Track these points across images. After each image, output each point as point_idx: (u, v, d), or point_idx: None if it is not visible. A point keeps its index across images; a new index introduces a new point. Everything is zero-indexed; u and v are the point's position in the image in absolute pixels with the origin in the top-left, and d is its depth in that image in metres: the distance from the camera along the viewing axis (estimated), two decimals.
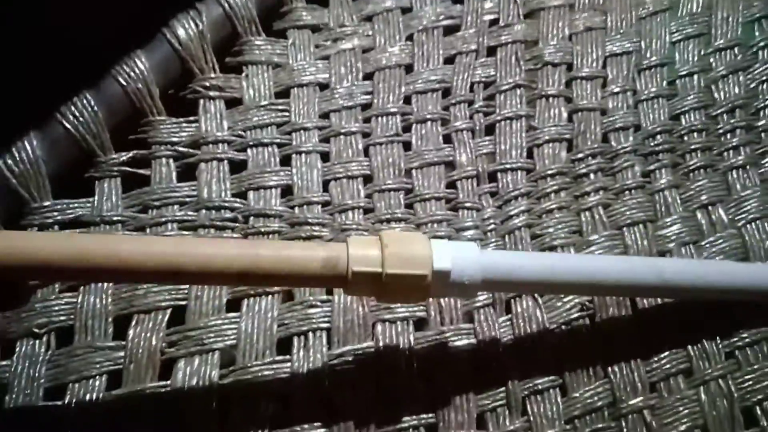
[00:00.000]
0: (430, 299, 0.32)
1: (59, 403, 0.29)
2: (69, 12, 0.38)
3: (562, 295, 0.33)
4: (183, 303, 0.31)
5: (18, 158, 0.32)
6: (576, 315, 0.33)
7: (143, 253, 0.25)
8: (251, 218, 0.34)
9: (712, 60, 0.40)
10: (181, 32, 0.36)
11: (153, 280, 0.29)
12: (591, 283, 0.30)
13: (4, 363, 0.30)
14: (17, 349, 0.30)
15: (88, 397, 0.29)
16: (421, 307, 0.32)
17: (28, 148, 0.32)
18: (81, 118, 0.33)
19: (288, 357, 0.31)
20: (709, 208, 0.36)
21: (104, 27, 0.39)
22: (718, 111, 0.38)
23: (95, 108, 0.33)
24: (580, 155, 0.37)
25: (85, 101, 0.33)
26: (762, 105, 0.39)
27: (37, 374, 0.29)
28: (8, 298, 0.30)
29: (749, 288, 0.32)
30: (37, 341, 0.30)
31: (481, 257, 0.28)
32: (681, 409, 0.31)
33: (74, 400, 0.29)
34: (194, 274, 0.26)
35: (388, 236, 0.27)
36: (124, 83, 0.34)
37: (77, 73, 0.34)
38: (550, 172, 0.36)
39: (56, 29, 0.39)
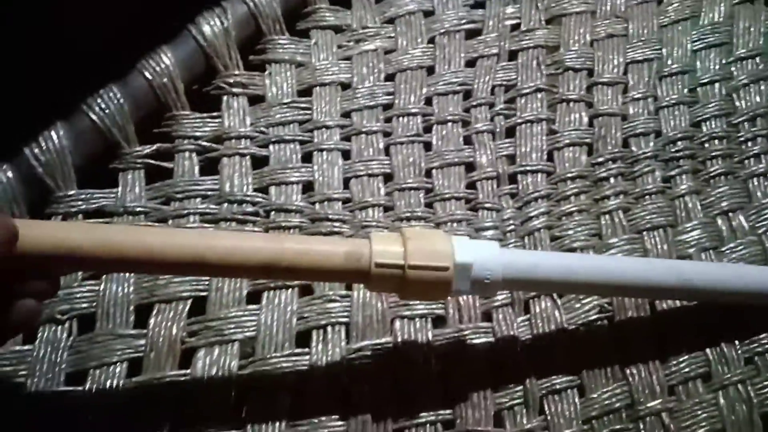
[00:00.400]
0: (449, 298, 0.32)
1: (80, 388, 0.29)
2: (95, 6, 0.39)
3: (582, 296, 0.33)
4: (204, 294, 0.32)
5: (44, 148, 0.32)
6: (595, 316, 0.33)
7: (168, 243, 0.25)
8: (272, 213, 0.34)
9: (733, 69, 0.40)
10: (206, 29, 0.36)
11: (178, 270, 0.29)
12: (611, 284, 0.30)
13: (26, 348, 0.30)
14: (39, 335, 0.30)
15: (108, 383, 0.29)
16: (440, 305, 0.32)
17: (55, 138, 0.33)
18: (107, 110, 0.34)
19: (307, 350, 0.31)
20: (730, 214, 0.36)
21: (128, 23, 0.39)
22: (739, 119, 0.38)
23: (121, 100, 0.34)
24: (601, 159, 0.37)
25: (111, 94, 0.34)
26: None
27: (58, 360, 0.30)
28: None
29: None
30: (59, 327, 0.30)
31: (502, 255, 0.28)
32: (699, 413, 0.31)
33: (95, 386, 0.29)
34: (218, 266, 0.26)
35: (410, 232, 0.27)
36: (150, 77, 0.35)
37: (103, 67, 0.34)
38: (570, 175, 0.36)
39: (82, 22, 0.40)
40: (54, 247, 0.24)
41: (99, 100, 0.34)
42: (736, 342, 0.33)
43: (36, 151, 0.32)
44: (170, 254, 0.25)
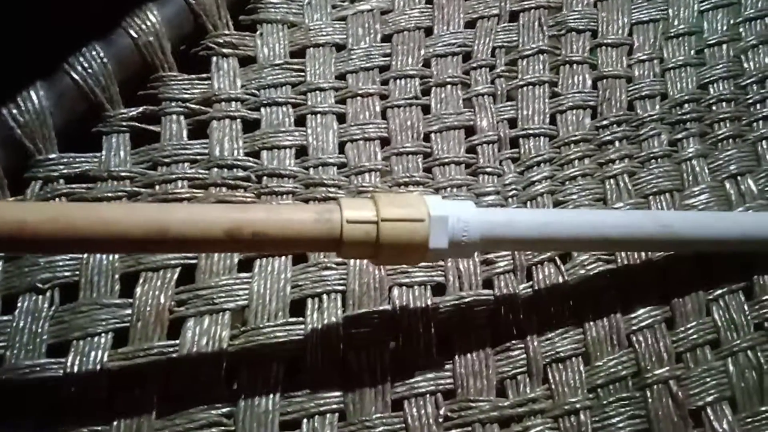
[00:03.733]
0: (449, 263, 0.31)
1: (62, 360, 0.28)
2: None
3: (586, 263, 0.32)
4: (193, 261, 0.30)
5: (23, 108, 0.31)
6: (599, 283, 0.31)
7: (127, 217, 0.24)
8: (264, 178, 0.33)
9: (741, 30, 0.39)
10: None
11: (138, 246, 0.27)
12: (593, 238, 0.29)
13: (5, 318, 0.28)
14: (19, 305, 0.29)
15: (92, 354, 0.28)
16: (440, 272, 0.31)
17: (35, 98, 0.31)
18: (90, 70, 0.32)
19: (301, 319, 0.30)
20: (738, 178, 0.35)
21: None
22: (748, 81, 0.37)
23: (104, 60, 0.32)
24: (605, 122, 0.36)
25: (94, 53, 0.32)
26: None
27: (39, 330, 0.28)
28: None
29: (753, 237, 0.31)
30: (41, 296, 0.29)
31: (478, 214, 0.27)
32: (708, 380, 0.30)
33: (78, 358, 0.28)
34: (180, 239, 0.24)
35: (381, 194, 0.26)
36: (135, 36, 0.33)
37: (86, 23, 0.33)
38: (573, 138, 0.35)
39: None
40: (7, 229, 0.22)
41: (81, 60, 0.32)
42: (745, 308, 0.32)
43: (14, 112, 0.31)
44: (130, 229, 0.23)
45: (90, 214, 0.24)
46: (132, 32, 0.33)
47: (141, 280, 0.30)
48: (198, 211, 0.25)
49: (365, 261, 0.31)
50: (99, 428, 0.27)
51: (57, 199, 0.31)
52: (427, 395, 0.29)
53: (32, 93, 0.31)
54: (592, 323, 0.31)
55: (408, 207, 0.25)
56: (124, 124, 0.33)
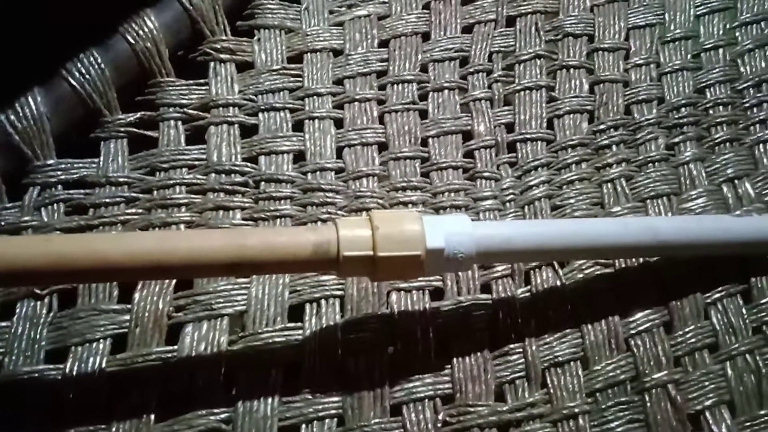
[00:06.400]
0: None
1: (61, 366, 0.28)
2: None
3: (584, 267, 0.32)
4: None
5: (21, 114, 0.31)
6: (597, 287, 0.31)
7: (127, 252, 0.24)
8: (262, 183, 0.33)
9: (737, 34, 0.39)
10: None
11: (136, 277, 0.28)
12: (587, 248, 0.29)
13: (3, 324, 0.28)
14: (18, 311, 0.29)
15: (91, 360, 0.28)
16: (438, 277, 0.31)
17: (32, 104, 0.31)
18: (87, 76, 0.32)
19: (300, 324, 0.30)
20: (736, 181, 0.35)
21: None
22: (744, 85, 0.37)
23: (102, 66, 0.32)
24: (602, 127, 0.36)
25: (92, 59, 0.32)
26: None
27: (38, 336, 0.28)
28: None
29: (741, 240, 0.31)
30: (39, 302, 0.29)
31: (474, 231, 0.27)
32: (707, 384, 0.30)
33: (77, 364, 0.28)
34: (181, 270, 0.25)
35: (377, 216, 0.26)
36: (133, 42, 0.33)
37: (84, 29, 0.33)
38: (571, 143, 0.35)
39: None
40: (3, 265, 0.23)
41: (79, 65, 0.32)
42: (743, 311, 0.32)
43: (12, 118, 0.31)
44: (126, 263, 0.24)
45: (85, 247, 0.24)
46: (129, 38, 0.33)
47: (139, 286, 0.29)
48: (197, 246, 0.25)
49: None
50: None
51: (55, 204, 0.31)
52: (426, 400, 0.29)
53: (30, 99, 0.31)
54: (590, 327, 0.31)
55: (404, 241, 0.26)
56: (122, 129, 0.33)
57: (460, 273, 0.31)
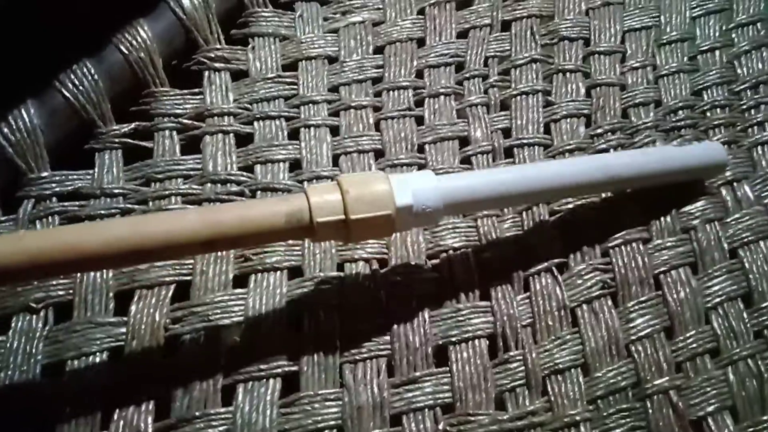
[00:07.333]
0: (446, 275, 0.31)
1: (57, 380, 0.27)
2: None
3: (583, 273, 0.31)
4: (188, 278, 0.30)
5: (15, 127, 0.31)
6: (597, 293, 0.31)
7: (102, 241, 0.24)
8: (258, 192, 0.32)
9: (734, 35, 0.39)
10: (185, 1, 0.34)
11: (114, 265, 0.28)
12: (547, 189, 0.30)
13: None
14: (13, 325, 0.28)
15: (87, 374, 0.28)
16: (436, 284, 0.31)
17: (26, 116, 0.31)
18: (81, 87, 0.32)
19: (298, 334, 0.29)
20: (734, 184, 0.34)
21: None
22: (741, 86, 0.37)
23: (96, 77, 0.32)
24: (599, 130, 0.36)
25: (85, 70, 0.32)
26: None
27: (33, 350, 0.28)
28: None
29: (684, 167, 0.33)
30: (34, 316, 0.29)
31: (439, 184, 0.28)
32: (708, 389, 0.30)
33: (73, 377, 0.27)
34: (158, 253, 0.25)
35: (346, 180, 0.27)
36: (126, 52, 0.33)
37: (77, 41, 0.32)
38: (568, 147, 0.35)
39: None
40: None
41: (72, 77, 0.32)
42: (744, 315, 0.31)
43: (6, 130, 0.30)
44: (103, 250, 0.24)
45: (59, 240, 0.24)
46: (123, 48, 0.33)
47: (135, 298, 0.29)
48: (172, 228, 0.25)
49: (362, 276, 0.31)
50: None
51: (50, 217, 0.30)
52: (426, 410, 0.29)
53: (23, 111, 0.31)
54: (590, 333, 0.30)
55: (375, 202, 0.26)
56: (117, 140, 0.32)
57: (458, 279, 0.31)
